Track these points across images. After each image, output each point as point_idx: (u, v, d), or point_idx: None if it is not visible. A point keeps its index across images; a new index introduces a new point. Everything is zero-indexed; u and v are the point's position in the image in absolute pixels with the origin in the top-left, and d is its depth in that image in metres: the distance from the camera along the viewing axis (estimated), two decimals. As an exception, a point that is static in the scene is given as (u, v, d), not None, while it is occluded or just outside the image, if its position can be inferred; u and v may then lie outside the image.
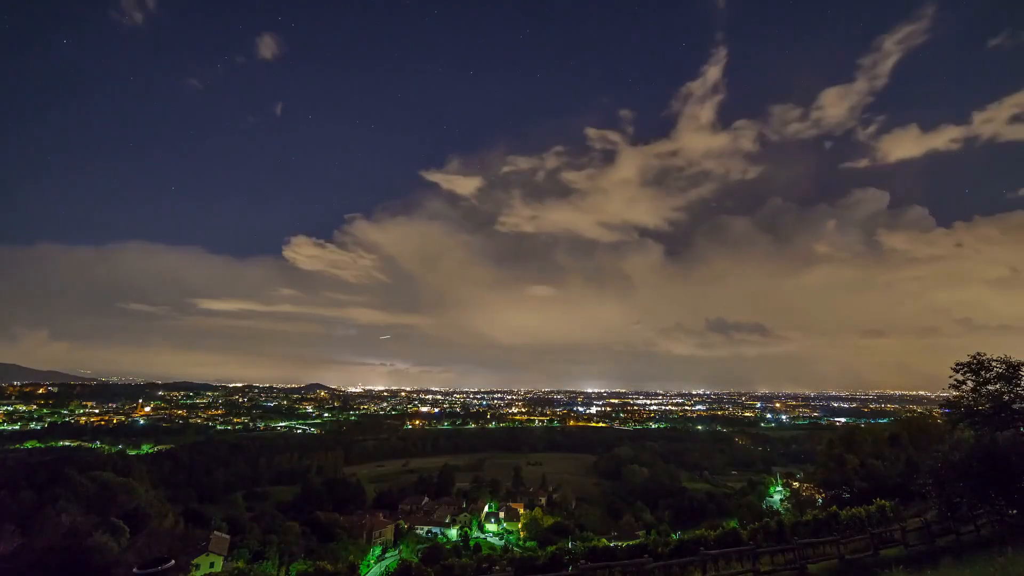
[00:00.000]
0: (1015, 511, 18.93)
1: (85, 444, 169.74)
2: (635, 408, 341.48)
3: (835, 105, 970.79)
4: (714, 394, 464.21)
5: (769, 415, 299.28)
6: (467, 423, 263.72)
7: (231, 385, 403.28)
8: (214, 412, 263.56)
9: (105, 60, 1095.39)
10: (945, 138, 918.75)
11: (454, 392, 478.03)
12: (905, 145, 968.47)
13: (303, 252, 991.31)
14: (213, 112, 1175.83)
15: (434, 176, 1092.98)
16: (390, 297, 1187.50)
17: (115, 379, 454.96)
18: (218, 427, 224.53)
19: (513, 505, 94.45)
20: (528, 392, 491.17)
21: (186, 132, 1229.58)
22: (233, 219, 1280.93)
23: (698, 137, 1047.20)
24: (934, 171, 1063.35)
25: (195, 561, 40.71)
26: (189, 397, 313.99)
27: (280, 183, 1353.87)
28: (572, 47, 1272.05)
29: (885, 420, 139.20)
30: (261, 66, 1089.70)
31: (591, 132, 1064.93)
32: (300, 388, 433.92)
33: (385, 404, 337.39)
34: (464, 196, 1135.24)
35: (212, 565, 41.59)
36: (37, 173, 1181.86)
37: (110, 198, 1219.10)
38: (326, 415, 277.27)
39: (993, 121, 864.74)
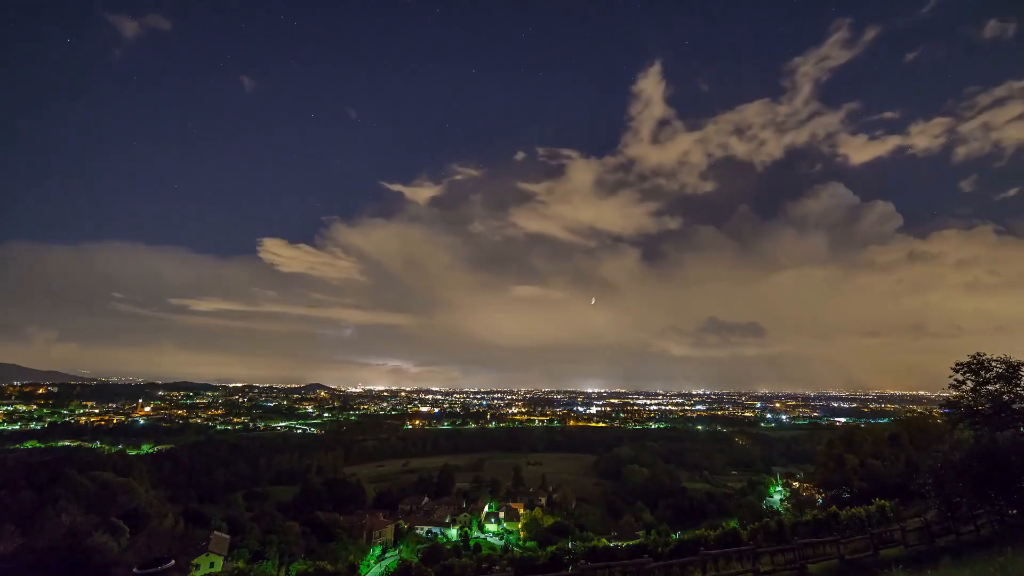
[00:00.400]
0: (1015, 511, 18.96)
1: (85, 444, 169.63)
2: (635, 408, 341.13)
3: (773, 119, 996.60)
4: (714, 394, 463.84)
5: (769, 415, 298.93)
6: (467, 423, 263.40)
7: (231, 385, 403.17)
8: (214, 412, 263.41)
9: (90, 66, 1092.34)
10: (888, 146, 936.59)
11: (454, 392, 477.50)
12: (856, 153, 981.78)
13: (282, 253, 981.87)
14: (194, 119, 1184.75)
15: (397, 186, 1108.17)
16: (380, 298, 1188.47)
17: (115, 379, 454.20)
18: (218, 427, 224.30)
19: (513, 505, 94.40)
20: (528, 392, 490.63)
21: (167, 134, 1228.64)
22: (213, 220, 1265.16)
23: (647, 152, 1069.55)
24: (883, 184, 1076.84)
25: (195, 561, 40.73)
26: (189, 397, 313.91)
27: (260, 185, 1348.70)
28: (525, 62, 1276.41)
29: (885, 420, 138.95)
30: (242, 98, 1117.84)
31: (541, 149, 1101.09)
32: (300, 388, 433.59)
33: (385, 404, 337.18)
34: (428, 203, 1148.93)
35: (212, 565, 41.61)
36: (11, 170, 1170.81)
37: (88, 197, 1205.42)
38: (326, 415, 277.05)
39: (924, 134, 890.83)
